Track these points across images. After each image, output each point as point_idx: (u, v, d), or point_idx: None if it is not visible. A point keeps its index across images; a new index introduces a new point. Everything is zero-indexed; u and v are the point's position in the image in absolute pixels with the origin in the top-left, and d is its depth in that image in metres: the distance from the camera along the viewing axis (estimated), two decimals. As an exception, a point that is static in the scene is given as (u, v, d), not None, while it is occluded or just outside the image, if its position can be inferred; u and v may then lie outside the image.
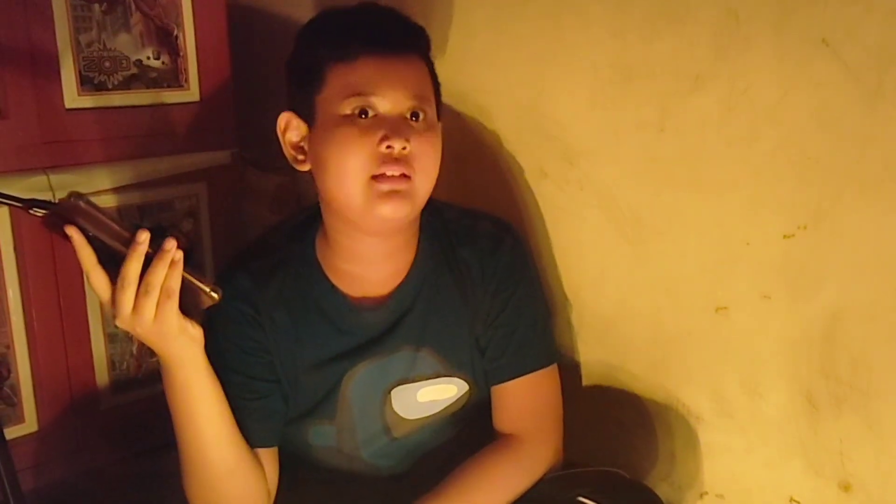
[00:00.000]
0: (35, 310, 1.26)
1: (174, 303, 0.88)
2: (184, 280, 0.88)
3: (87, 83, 1.29)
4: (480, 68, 1.30)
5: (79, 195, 0.88)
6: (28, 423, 1.28)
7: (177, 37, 1.37)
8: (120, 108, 1.32)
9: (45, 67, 1.24)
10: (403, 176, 0.96)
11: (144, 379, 1.39)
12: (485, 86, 1.30)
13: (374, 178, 0.96)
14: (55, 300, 1.28)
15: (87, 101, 1.29)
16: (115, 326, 0.90)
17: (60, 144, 1.27)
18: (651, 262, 1.18)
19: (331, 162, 0.97)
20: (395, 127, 0.96)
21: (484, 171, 1.32)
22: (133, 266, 0.86)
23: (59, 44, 1.24)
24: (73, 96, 1.27)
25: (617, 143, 1.18)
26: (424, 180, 0.99)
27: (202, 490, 0.99)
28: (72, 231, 0.86)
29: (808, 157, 1.00)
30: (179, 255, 0.87)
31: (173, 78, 1.38)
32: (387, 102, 0.97)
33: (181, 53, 1.38)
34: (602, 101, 1.18)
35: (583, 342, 1.28)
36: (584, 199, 1.22)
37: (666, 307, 1.18)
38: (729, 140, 1.07)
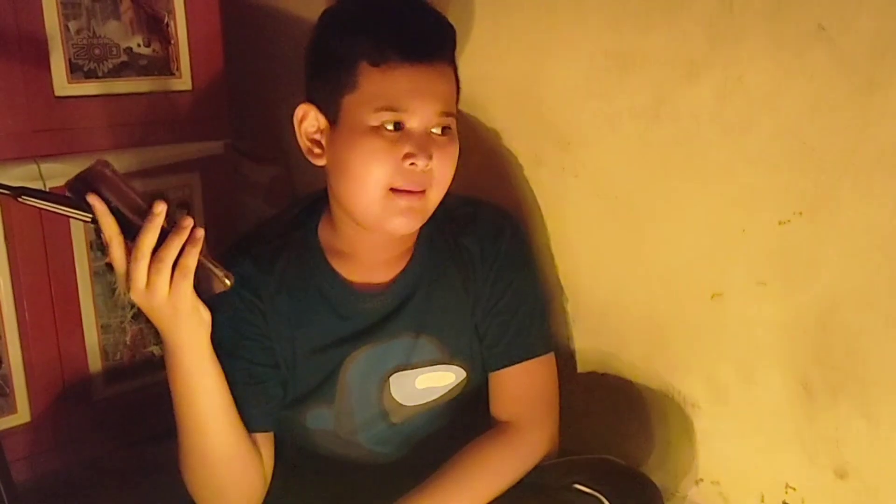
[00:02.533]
0: (27, 299, 1.25)
1: (189, 281, 0.88)
2: (198, 261, 0.88)
3: (77, 71, 1.28)
4: (476, 56, 1.29)
5: (105, 162, 0.87)
6: (20, 414, 1.28)
7: (167, 24, 1.36)
8: (110, 96, 1.31)
9: (35, 54, 1.23)
10: (420, 192, 0.97)
11: (138, 369, 1.38)
12: (481, 74, 1.30)
13: (393, 190, 0.96)
14: (47, 289, 1.27)
15: (77, 89, 1.28)
16: (131, 302, 0.89)
17: (50, 133, 1.26)
18: (646, 249, 1.18)
19: (352, 168, 0.97)
20: (421, 144, 0.96)
21: (479, 159, 1.31)
22: (148, 238, 0.85)
23: (48, 31, 1.23)
24: (62, 84, 1.26)
25: (612, 131, 1.17)
26: (438, 192, 1.01)
27: (200, 475, 0.99)
28: (94, 200, 0.85)
29: (804, 144, 1.00)
30: (201, 232, 0.87)
31: (164, 66, 1.37)
32: (417, 119, 0.97)
33: (172, 41, 1.37)
34: (597, 89, 1.18)
35: (578, 329, 1.28)
36: (579, 186, 1.22)
37: (661, 294, 1.18)
38: (724, 128, 1.07)
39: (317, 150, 1.02)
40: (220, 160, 1.45)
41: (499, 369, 1.09)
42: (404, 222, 0.98)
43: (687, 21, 1.06)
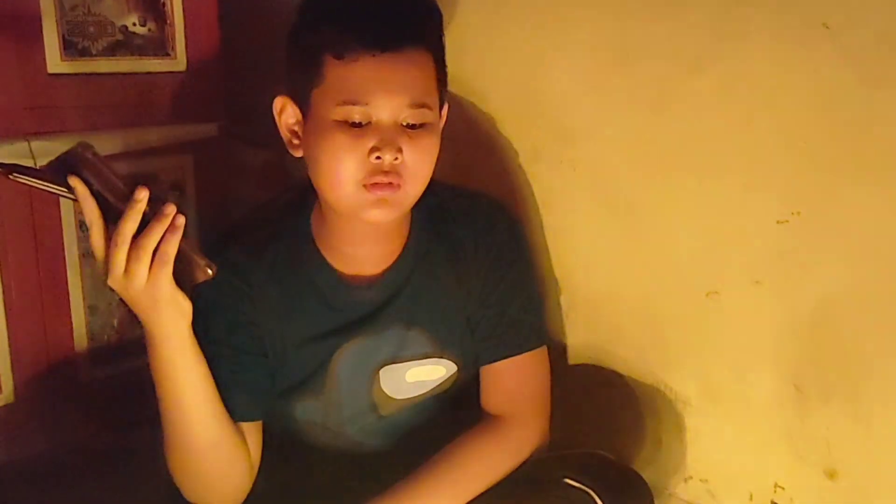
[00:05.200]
0: (13, 278, 1.23)
1: (168, 269, 0.86)
2: (180, 250, 0.86)
3: (71, 48, 1.25)
4: (476, 48, 1.28)
5: (87, 145, 0.86)
6: (4, 394, 1.26)
7: (164, 3, 1.34)
8: (104, 74, 1.29)
9: (28, 30, 1.21)
10: (391, 184, 0.95)
11: (125, 352, 1.36)
12: (480, 66, 1.29)
13: (364, 185, 0.95)
14: (34, 269, 1.25)
15: (71, 67, 1.26)
16: (108, 287, 0.88)
17: (42, 110, 1.24)
18: (643, 245, 1.17)
19: (322, 163, 0.96)
20: (388, 138, 0.93)
21: (477, 152, 1.30)
22: (129, 224, 0.84)
23: (42, 6, 1.21)
24: (55, 61, 1.24)
25: (612, 125, 1.17)
26: (415, 185, 0.98)
27: (184, 463, 0.98)
28: (75, 182, 0.84)
29: (805, 142, 1.00)
30: (181, 220, 0.86)
31: (160, 46, 1.35)
32: (383, 112, 0.94)
33: (168, 21, 1.35)
34: (598, 83, 1.17)
35: (572, 325, 1.27)
36: (577, 180, 1.21)
37: (656, 291, 1.17)
38: (725, 124, 1.06)
39: (295, 142, 1.01)
40: (214, 143, 1.43)
41: (490, 362, 1.08)
42: (380, 213, 0.96)
43: (691, 15, 1.06)
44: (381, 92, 0.93)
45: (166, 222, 0.85)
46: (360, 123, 0.94)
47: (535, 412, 1.08)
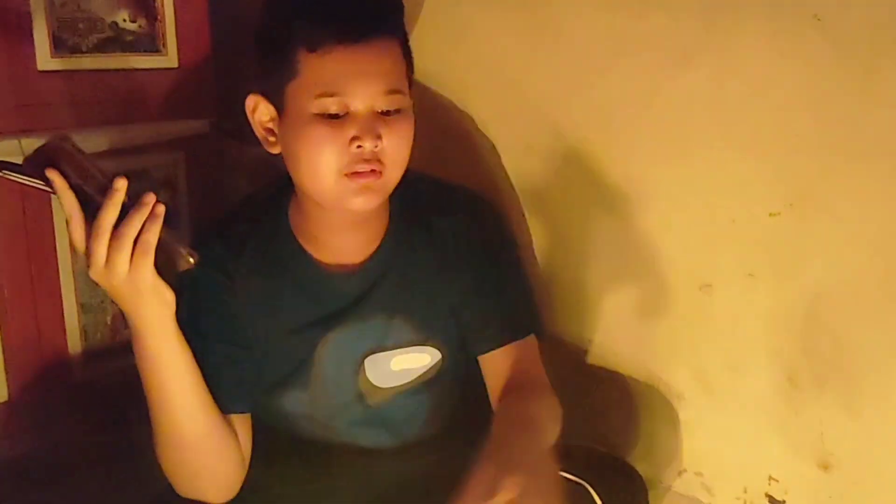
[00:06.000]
0: (5, 277, 1.23)
1: (150, 258, 0.86)
2: (161, 239, 0.86)
3: (61, 45, 1.25)
4: (467, 41, 1.28)
5: (64, 136, 0.85)
6: (-3, 393, 1.26)
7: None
8: (94, 71, 1.29)
9: (17, 27, 1.20)
10: (374, 171, 0.95)
11: (118, 350, 1.36)
12: (471, 59, 1.28)
13: (346, 174, 0.95)
14: (26, 268, 1.25)
15: (61, 64, 1.25)
16: (91, 278, 0.87)
17: (33, 108, 1.24)
18: (636, 238, 1.17)
19: (301, 157, 0.96)
20: (367, 126, 0.94)
21: (469, 145, 1.30)
22: (108, 215, 0.83)
23: (31, 2, 1.20)
24: (45, 58, 1.24)
25: (604, 118, 1.17)
26: (395, 170, 0.98)
27: (174, 458, 0.98)
28: (53, 175, 0.83)
29: (797, 134, 1.00)
30: (161, 209, 0.85)
31: (150, 42, 1.35)
32: (359, 101, 0.94)
33: (159, 17, 1.34)
34: (591, 76, 1.17)
35: (565, 318, 1.27)
36: (570, 174, 1.21)
37: (649, 284, 1.17)
38: (717, 116, 1.06)
39: (271, 139, 1.01)
40: (205, 139, 1.43)
41: (488, 351, 1.07)
42: (363, 200, 0.96)
43: (682, 7, 1.06)
44: (358, 82, 0.94)
45: (146, 211, 0.84)
46: (337, 115, 0.94)
47: (549, 389, 1.06)
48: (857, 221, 0.98)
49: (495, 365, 1.07)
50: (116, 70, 1.31)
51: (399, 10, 1.00)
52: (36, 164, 0.84)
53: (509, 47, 1.25)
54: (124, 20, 1.31)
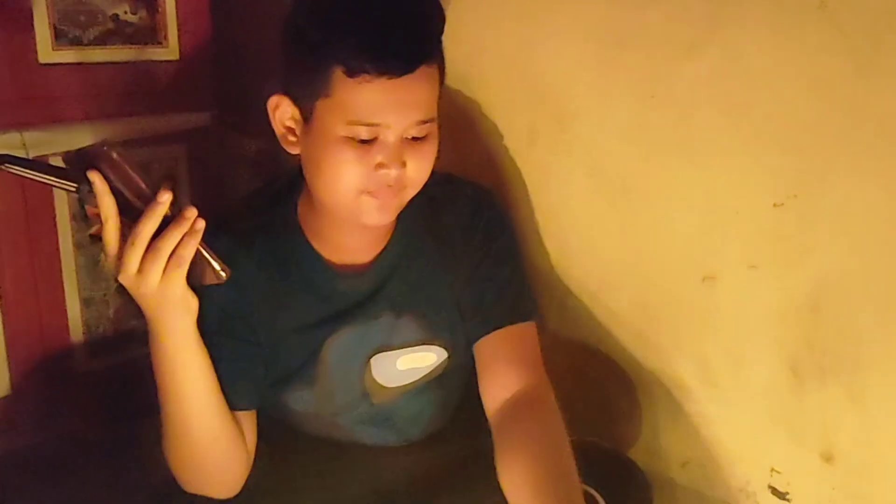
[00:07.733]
0: (8, 271, 1.23)
1: (183, 272, 0.86)
2: (196, 252, 0.86)
3: (62, 37, 1.25)
4: (471, 29, 1.27)
5: (112, 144, 0.85)
6: (0, 386, 1.26)
7: (154, -9, 1.34)
8: (96, 64, 1.29)
9: (18, 19, 1.20)
10: (391, 188, 0.95)
11: (121, 343, 1.37)
12: (475, 49, 1.28)
13: (365, 192, 0.94)
14: (28, 262, 1.25)
15: (62, 56, 1.25)
16: (117, 281, 0.87)
17: (34, 101, 1.24)
18: (638, 229, 1.17)
19: (323, 171, 0.95)
20: (394, 154, 0.93)
21: (474, 136, 1.30)
22: (149, 225, 0.83)
23: (32, -6, 1.21)
24: (47, 51, 1.24)
25: (607, 108, 1.16)
26: (415, 189, 0.98)
27: (184, 456, 0.98)
28: (95, 177, 0.83)
29: (801, 125, 0.99)
30: (201, 224, 0.85)
31: (151, 34, 1.35)
32: (391, 131, 0.92)
33: (160, 9, 1.34)
34: (594, 67, 1.16)
35: (568, 310, 1.27)
36: (573, 164, 1.21)
37: (653, 276, 1.17)
38: (721, 107, 1.05)
39: (291, 138, 0.99)
40: (207, 132, 1.43)
41: (481, 337, 1.06)
42: (378, 216, 0.96)
43: (685, -2, 1.05)
44: (394, 114, 0.92)
45: (186, 226, 0.84)
46: (369, 139, 0.93)
47: (544, 381, 1.05)
48: (862, 212, 0.97)
49: (489, 351, 1.06)
50: (118, 62, 1.31)
51: (442, 30, 0.96)
52: (75, 162, 0.85)
53: (514, 38, 1.24)
54: (125, 12, 1.31)
